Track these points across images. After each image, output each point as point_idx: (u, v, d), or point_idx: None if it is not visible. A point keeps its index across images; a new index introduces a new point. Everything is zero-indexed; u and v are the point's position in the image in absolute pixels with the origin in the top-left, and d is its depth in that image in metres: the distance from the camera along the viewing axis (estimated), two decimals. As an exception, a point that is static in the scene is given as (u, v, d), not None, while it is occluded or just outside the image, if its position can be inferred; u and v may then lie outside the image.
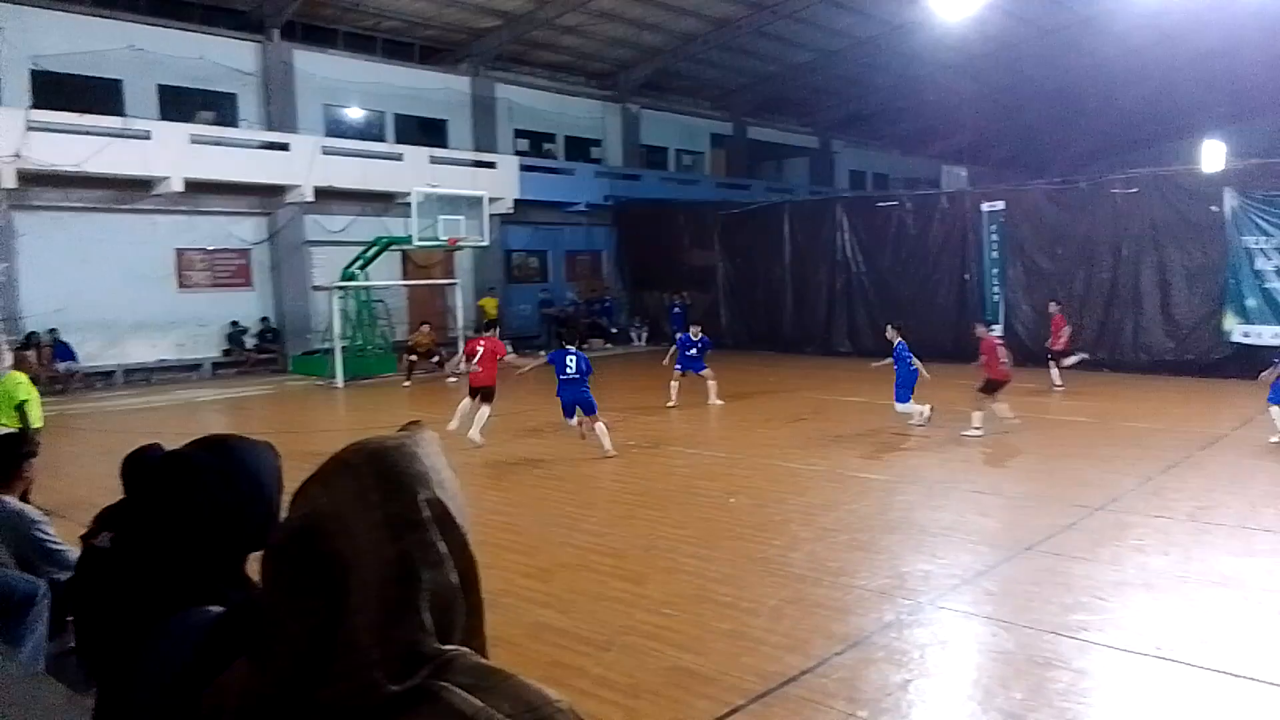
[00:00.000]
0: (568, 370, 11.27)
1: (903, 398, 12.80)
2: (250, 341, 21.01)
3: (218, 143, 19.60)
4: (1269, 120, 34.71)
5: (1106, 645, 5.49)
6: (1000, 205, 20.06)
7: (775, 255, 24.08)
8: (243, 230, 21.04)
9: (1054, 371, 16.51)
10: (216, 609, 1.60)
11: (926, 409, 12.62)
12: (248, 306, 21.04)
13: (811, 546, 7.48)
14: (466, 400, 13.08)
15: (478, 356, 12.78)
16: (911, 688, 4.96)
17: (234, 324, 20.74)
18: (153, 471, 1.83)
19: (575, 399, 11.32)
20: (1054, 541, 7.50)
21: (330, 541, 0.98)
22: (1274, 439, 11.20)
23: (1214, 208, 17.26)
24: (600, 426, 11.13)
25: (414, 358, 19.29)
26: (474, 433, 12.18)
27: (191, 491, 1.71)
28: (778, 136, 35.74)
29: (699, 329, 16.43)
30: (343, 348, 19.00)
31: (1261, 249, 16.82)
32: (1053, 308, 17.28)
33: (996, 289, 20.07)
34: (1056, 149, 41.85)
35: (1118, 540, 7.58)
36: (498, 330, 13.88)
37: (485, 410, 12.47)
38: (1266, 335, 16.76)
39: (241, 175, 19.83)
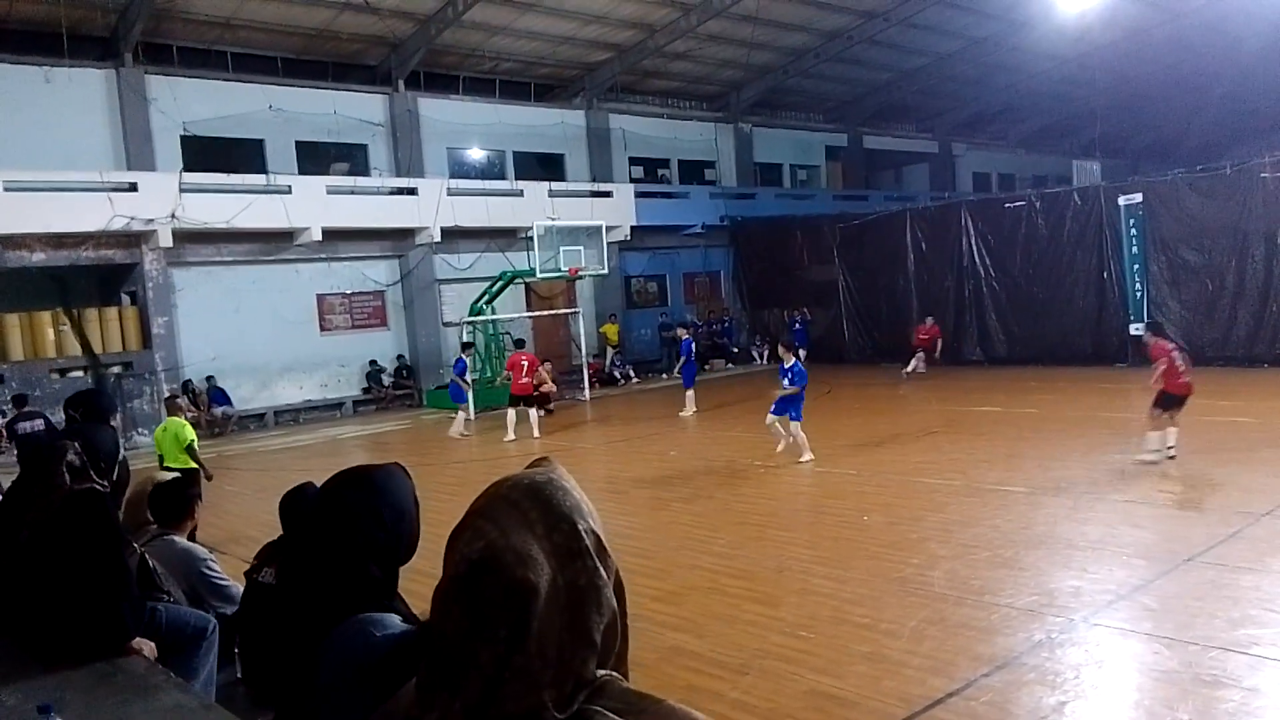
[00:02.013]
0: (796, 380, 11.90)
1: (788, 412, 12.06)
2: (387, 379, 21.93)
3: (352, 192, 20.65)
4: None
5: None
6: (1138, 198, 19.07)
7: (898, 265, 23.55)
8: (377, 273, 22.05)
9: None
10: (386, 618, 1.73)
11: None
12: (384, 345, 21.99)
13: (951, 564, 7.25)
14: (512, 411, 15.52)
15: (524, 370, 15.43)
16: (1067, 710, 4.74)
17: (372, 363, 21.70)
18: (310, 514, 1.99)
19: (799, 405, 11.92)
20: (1216, 552, 7.05)
21: (512, 571, 1.04)
22: None
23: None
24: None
25: (545, 411, 17.41)
26: (536, 432, 15.24)
27: (348, 530, 1.86)
28: (895, 144, 35.02)
29: (684, 330, 18.40)
30: (474, 380, 19.59)
31: None
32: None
33: (1139, 286, 19.05)
34: (1195, 135, 39.46)
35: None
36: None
37: (534, 415, 15.41)
38: None
39: (374, 221, 20.82)
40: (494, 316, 21.02)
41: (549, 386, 17.48)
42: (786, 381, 11.94)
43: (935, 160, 36.34)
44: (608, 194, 24.62)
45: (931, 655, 5.53)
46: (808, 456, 11.73)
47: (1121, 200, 19.29)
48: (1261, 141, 30.22)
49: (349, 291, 21.62)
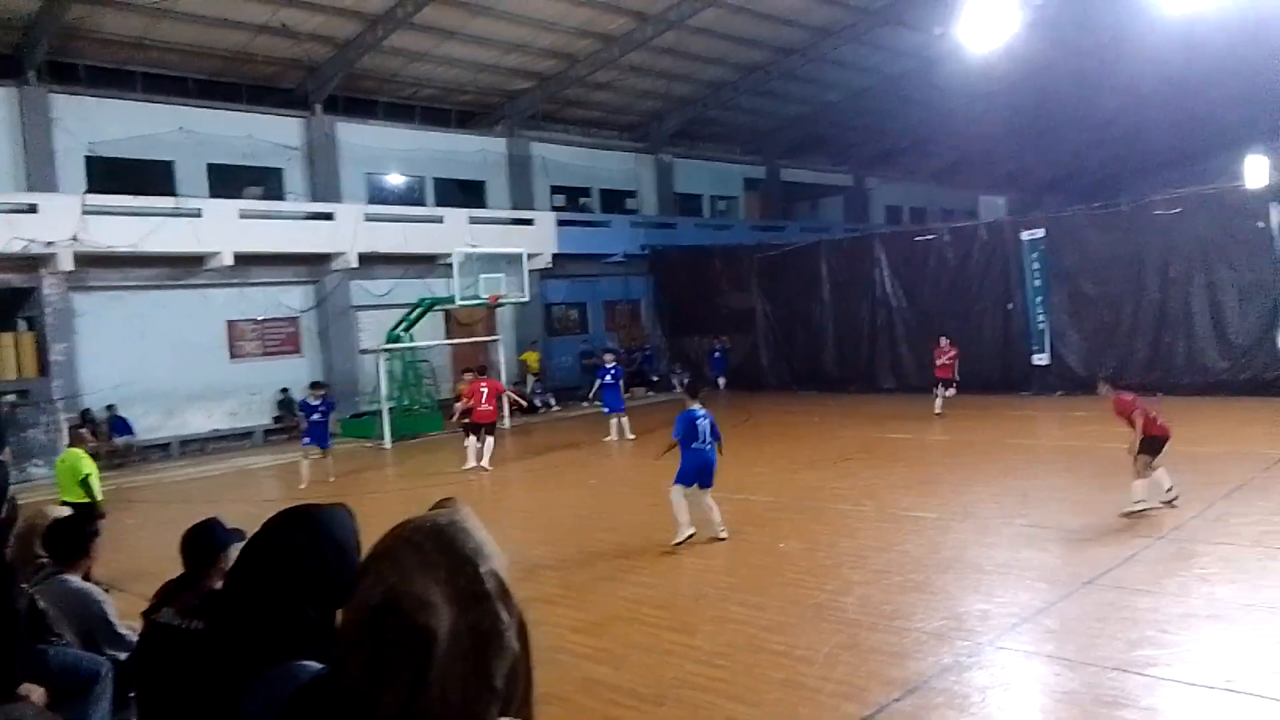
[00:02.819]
0: (702, 439, 9.26)
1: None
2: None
3: (266, 216, 20.22)
4: (1314, 131, 34.05)
5: (1175, 680, 5.35)
6: (1041, 233, 19.89)
7: (813, 295, 24.06)
8: (291, 299, 21.57)
9: None
10: (313, 665, 1.69)
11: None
12: (297, 373, 21.47)
13: (864, 590, 7.38)
14: (472, 438, 15.19)
15: (484, 396, 15.18)
16: (973, 733, 4.86)
17: (284, 391, 21.16)
18: (249, 552, 1.93)
19: (707, 469, 9.33)
20: (1115, 574, 7.33)
21: (413, 617, 1.04)
22: None
23: (1260, 224, 16.96)
24: (710, 501, 9.42)
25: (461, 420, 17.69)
26: (485, 461, 14.70)
27: (289, 571, 1.81)
28: (811, 177, 35.86)
29: (611, 355, 18.56)
30: (390, 408, 19.28)
31: (1313, 263, 16.46)
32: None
33: (1042, 317, 19.82)
34: (1096, 172, 41.41)
35: (1182, 570, 7.39)
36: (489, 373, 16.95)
37: (490, 441, 14.89)
38: (1326, 350, 16.34)
39: (289, 246, 20.40)
40: (412, 344, 20.74)
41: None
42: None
43: (850, 193, 37.32)
44: (529, 221, 24.63)
45: (845, 681, 5.62)
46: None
47: (1025, 234, 20.09)
48: (1157, 178, 31.87)
49: (261, 317, 21.09)
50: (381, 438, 18.81)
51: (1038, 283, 19.88)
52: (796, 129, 32.44)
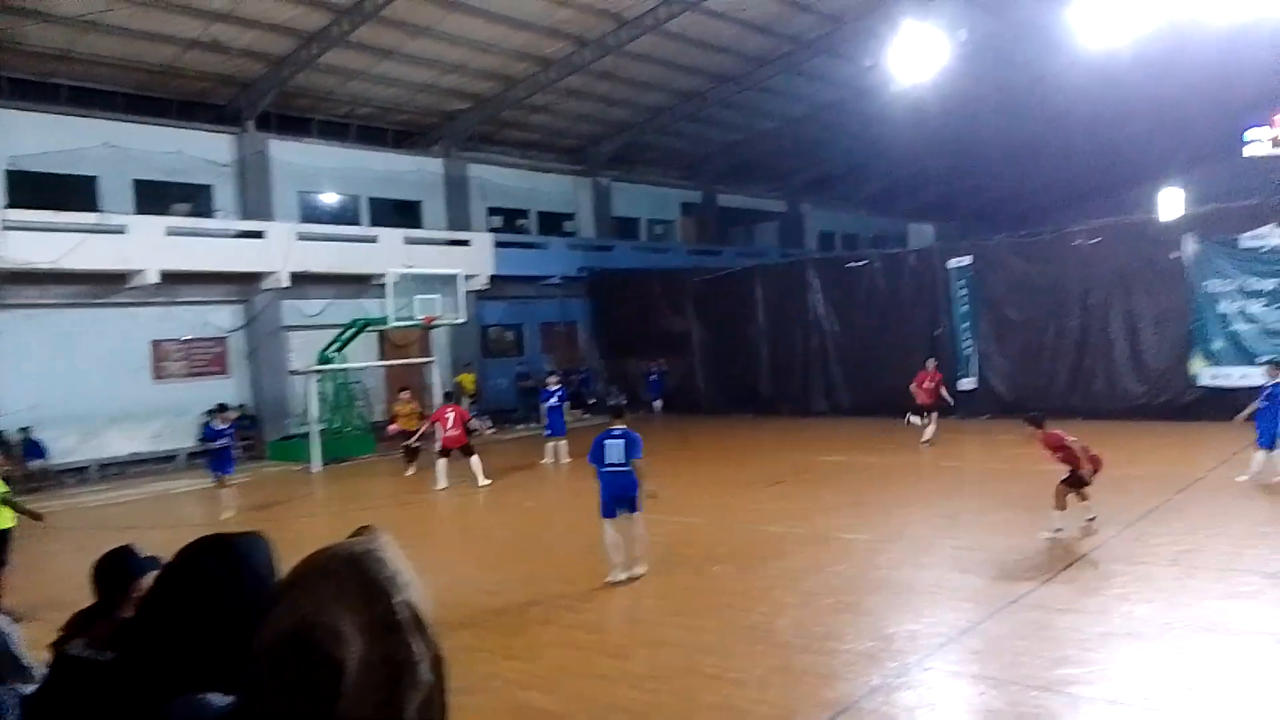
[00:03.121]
0: (610, 459, 8.70)
1: None
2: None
3: (194, 233, 19.74)
4: (1223, 166, 35.70)
5: (1094, 699, 5.49)
6: (967, 260, 20.43)
7: (748, 319, 24.32)
8: (219, 318, 21.07)
9: None
10: (222, 698, 1.64)
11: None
12: (224, 394, 20.84)
13: (797, 612, 7.45)
14: (442, 460, 15.36)
15: (450, 422, 15.41)
16: (901, 753, 4.93)
17: (209, 412, 20.58)
18: (163, 581, 1.87)
19: (623, 493, 8.69)
20: (1038, 594, 7.51)
21: (322, 647, 1.02)
22: (1240, 478, 11.35)
23: (1174, 254, 17.65)
24: (641, 529, 8.86)
25: (409, 443, 17.02)
26: (481, 480, 15.06)
27: (202, 601, 1.76)
28: (747, 202, 36.35)
29: (556, 378, 18.39)
30: (320, 431, 18.91)
31: (1223, 292, 17.18)
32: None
33: (968, 342, 20.32)
34: (1020, 202, 42.77)
35: (1102, 590, 7.60)
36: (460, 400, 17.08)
37: (476, 459, 15.19)
38: (1235, 377, 17.00)
39: (218, 265, 19.94)
40: (344, 365, 20.40)
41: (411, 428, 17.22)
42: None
43: (785, 219, 37.89)
44: (465, 242, 24.49)
45: (777, 703, 5.65)
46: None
47: (952, 262, 20.62)
48: (1078, 209, 33.04)
49: (187, 337, 20.55)
50: (311, 461, 18.42)
51: (965, 309, 20.39)
52: (733, 155, 32.90)
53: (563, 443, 17.20)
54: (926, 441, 16.58)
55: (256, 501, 14.78)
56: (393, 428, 17.97)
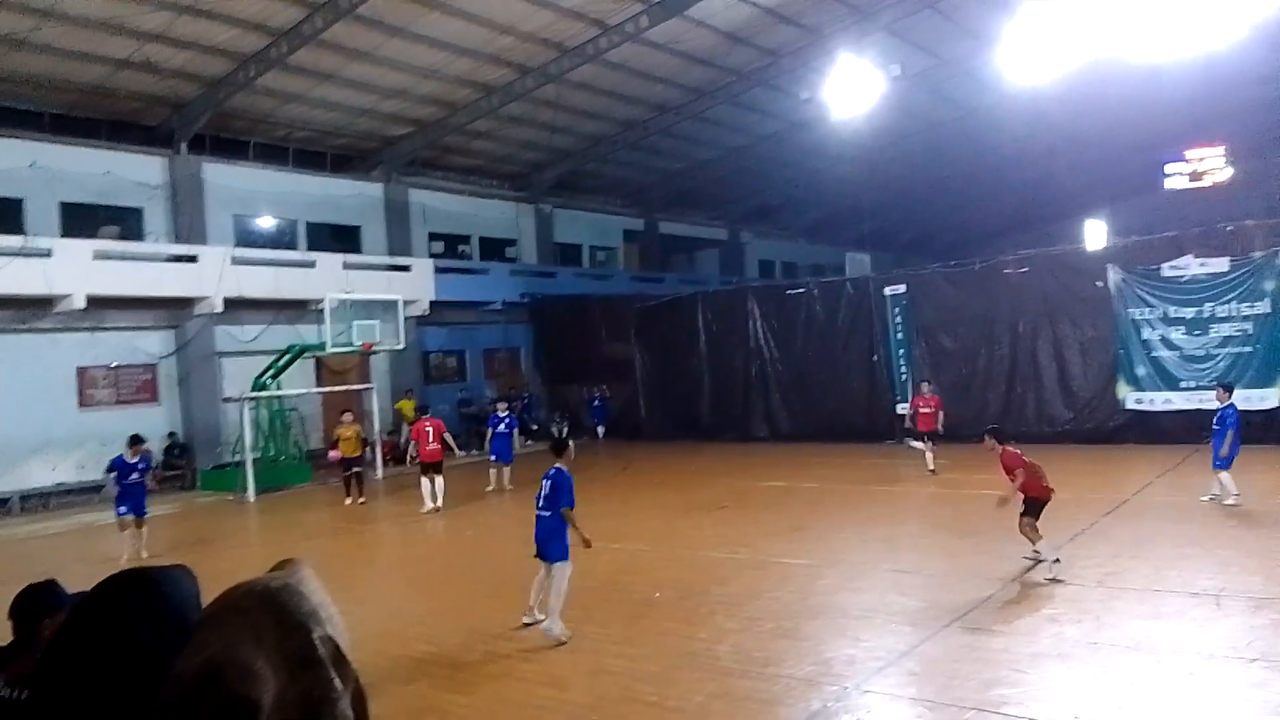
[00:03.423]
0: (539, 502, 8.10)
1: None
2: (156, 458, 20.26)
3: (122, 257, 19.23)
4: (1144, 199, 37.19)
5: (1026, 718, 5.60)
6: (902, 289, 20.87)
7: (690, 345, 24.49)
8: (149, 344, 20.52)
9: None
10: None
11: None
12: (154, 422, 20.34)
13: (737, 637, 7.47)
14: (426, 480, 15.13)
15: (430, 436, 15.26)
16: (839, 777, 4.96)
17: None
18: (79, 616, 1.81)
19: (540, 539, 8.05)
20: (971, 617, 7.65)
21: (233, 687, 0.99)
22: (1229, 501, 11.42)
23: (1099, 283, 18.26)
24: (561, 582, 7.84)
25: (354, 470, 16.56)
26: (439, 502, 14.77)
27: (120, 637, 1.70)
28: (688, 230, 36.70)
29: (504, 405, 18.11)
30: (254, 459, 18.49)
31: (1146, 320, 17.80)
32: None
33: (904, 369, 20.72)
34: (952, 232, 43.96)
35: (1032, 611, 7.78)
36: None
37: (440, 480, 14.94)
38: (1158, 402, 17.63)
39: (147, 289, 19.43)
40: (280, 392, 20.00)
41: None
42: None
43: (726, 246, 38.33)
44: (406, 268, 24.26)
45: (717, 730, 5.66)
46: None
47: (888, 290, 21.05)
48: (1008, 240, 34.04)
49: (115, 364, 19.97)
50: (245, 490, 17.99)
51: (900, 336, 20.80)
52: (674, 183, 33.23)
53: (507, 469, 16.95)
54: (933, 470, 15.63)
55: (186, 533, 14.36)
56: (334, 453, 17.23)
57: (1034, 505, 9.08)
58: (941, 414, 16.27)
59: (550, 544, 7.89)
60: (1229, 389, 12.19)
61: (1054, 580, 8.53)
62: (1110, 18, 19.08)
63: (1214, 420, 11.97)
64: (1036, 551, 9.03)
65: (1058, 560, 8.85)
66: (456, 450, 17.54)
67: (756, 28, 22.67)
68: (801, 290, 22.97)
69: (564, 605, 7.75)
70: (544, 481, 8.11)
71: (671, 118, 27.07)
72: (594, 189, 32.32)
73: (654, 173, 32.33)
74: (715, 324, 24.21)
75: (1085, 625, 7.29)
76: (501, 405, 18.16)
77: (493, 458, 17.19)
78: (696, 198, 35.10)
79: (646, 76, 24.35)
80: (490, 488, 16.99)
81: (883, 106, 23.12)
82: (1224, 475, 11.54)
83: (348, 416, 17.25)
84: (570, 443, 8.64)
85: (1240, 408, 16.14)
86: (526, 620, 8.09)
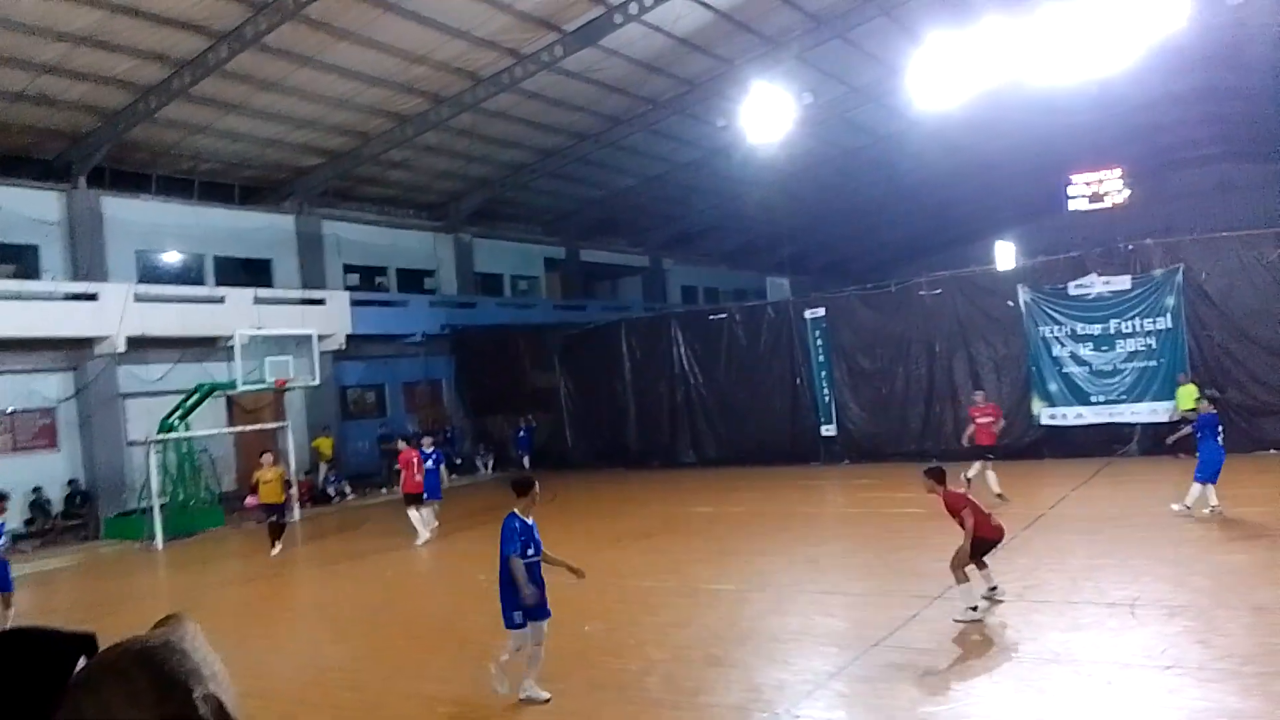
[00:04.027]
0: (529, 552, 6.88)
1: None
2: (56, 508, 19.27)
3: (16, 297, 18.32)
4: (1051, 220, 38.60)
5: (954, 736, 5.58)
6: (821, 312, 21.17)
7: (615, 373, 24.41)
8: (47, 387, 19.55)
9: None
10: None
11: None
12: (53, 469, 19.38)
13: (667, 667, 7.34)
14: (414, 510, 14.83)
15: (416, 465, 14.98)
16: (770, 808, 4.85)
17: (36, 490, 18.99)
18: None
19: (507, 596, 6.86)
20: (898, 635, 7.66)
21: None
22: (1207, 510, 11.38)
23: (1010, 303, 18.79)
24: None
25: (274, 518, 15.26)
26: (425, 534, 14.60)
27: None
28: (610, 258, 36.74)
29: (431, 439, 17.46)
30: (162, 505, 17.69)
31: (1056, 337, 18.37)
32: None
33: (826, 390, 20.96)
34: (869, 256, 44.96)
35: (955, 627, 7.81)
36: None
37: (418, 513, 14.78)
38: (1071, 416, 18.15)
39: (45, 330, 18.53)
40: (189, 434, 19.22)
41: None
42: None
43: (647, 274, 38.49)
44: (320, 301, 23.66)
45: (646, 766, 5.50)
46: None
47: (808, 313, 21.33)
48: (921, 262, 34.85)
49: (11, 409, 18.97)
50: (153, 537, 17.18)
51: (821, 358, 21.06)
52: (594, 211, 33.27)
53: (435, 506, 16.04)
54: (1001, 495, 13.52)
55: (87, 586, 13.61)
56: (251, 500, 15.98)
57: (981, 546, 8.35)
58: (1001, 423, 14.55)
59: (513, 599, 6.73)
60: (1212, 399, 12.04)
61: (968, 621, 7.83)
62: (1012, 45, 19.80)
63: (1195, 426, 11.76)
64: (974, 606, 8.05)
65: (994, 591, 8.34)
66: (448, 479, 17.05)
67: (671, 58, 22.91)
68: (724, 315, 23.12)
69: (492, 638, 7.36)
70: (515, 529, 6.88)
71: (590, 146, 27.11)
72: (514, 217, 32.14)
73: (574, 201, 32.31)
74: (639, 351, 24.19)
75: (1007, 639, 7.36)
76: (427, 440, 17.32)
77: (424, 496, 16.09)
78: (617, 225, 35.20)
79: (564, 105, 24.37)
80: (425, 531, 15.77)
81: (797, 133, 23.58)
82: (1208, 487, 11.29)
83: (267, 458, 15.72)
84: (534, 484, 7.08)
85: (1146, 420, 16.72)
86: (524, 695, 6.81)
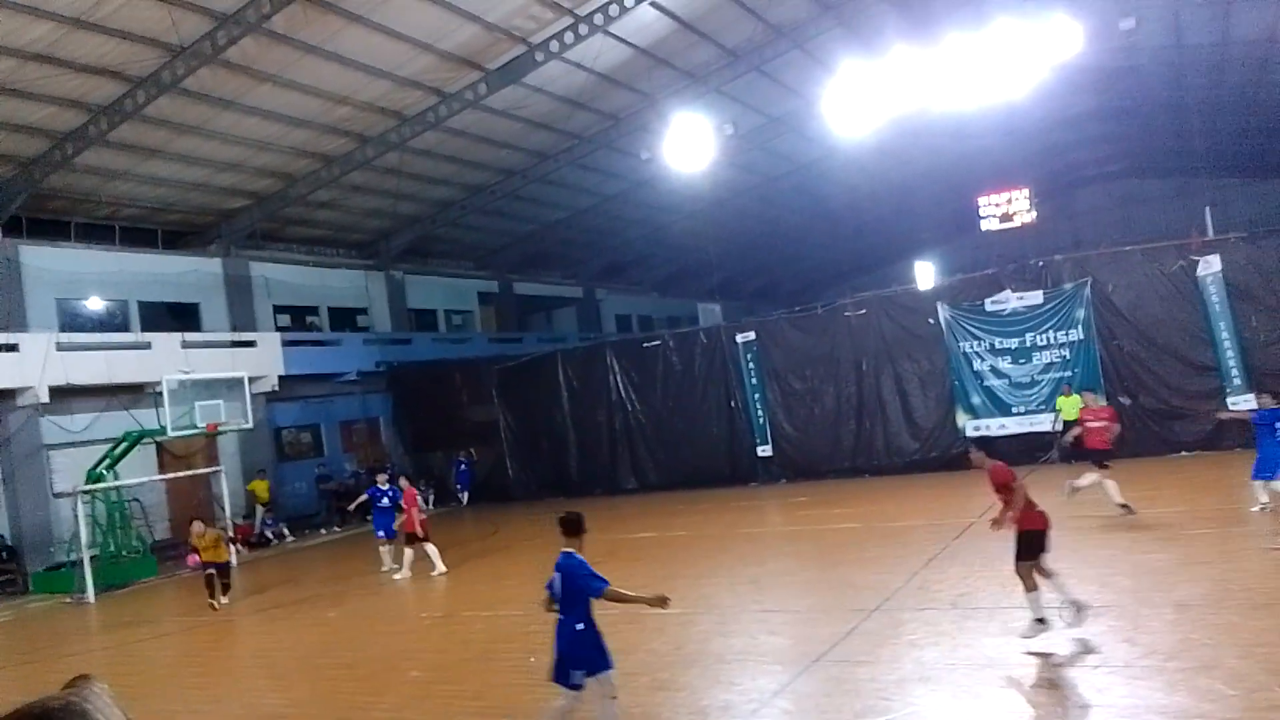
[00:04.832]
0: (555, 597, 6.16)
1: None
2: (-21, 565, 18.61)
3: (-70, 350, 17.78)
4: (966, 240, 39.93)
5: (893, 743, 5.83)
6: (752, 335, 21.62)
7: (554, 403, 24.51)
8: (-35, 442, 18.94)
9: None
10: None
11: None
12: (-26, 526, 18.76)
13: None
14: (419, 547, 14.57)
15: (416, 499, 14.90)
16: (721, 822, 5.03)
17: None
18: None
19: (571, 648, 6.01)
20: (838, 649, 7.92)
21: None
22: (1254, 509, 11.32)
23: (931, 320, 19.45)
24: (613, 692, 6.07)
25: (211, 571, 14.53)
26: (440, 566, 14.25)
27: None
28: (543, 289, 36.89)
29: (385, 476, 16.97)
30: (93, 557, 17.21)
31: (976, 352, 19.07)
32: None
33: (760, 412, 21.37)
34: (795, 280, 45.90)
35: (894, 638, 8.10)
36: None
37: (431, 548, 14.52)
38: (994, 427, 18.81)
39: (-40, 383, 18.02)
40: (117, 483, 18.75)
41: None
42: None
43: (581, 304, 38.72)
44: (250, 343, 23.34)
45: (598, 792, 5.62)
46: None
47: (739, 337, 21.77)
48: (846, 284, 35.78)
49: (-74, 466, 18.31)
50: (83, 591, 16.69)
51: (754, 381, 21.49)
52: (526, 245, 33.43)
53: (394, 546, 15.58)
54: (1126, 506, 11.91)
55: (15, 643, 13.18)
56: (193, 559, 15.47)
57: (1030, 540, 7.51)
58: (1116, 428, 12.69)
59: (583, 653, 5.91)
60: (1276, 394, 11.47)
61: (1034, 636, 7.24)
62: (920, 73, 20.61)
63: (1256, 418, 11.28)
64: (1045, 610, 7.31)
65: (1076, 605, 7.51)
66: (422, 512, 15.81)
67: (593, 94, 23.31)
68: (658, 343, 23.44)
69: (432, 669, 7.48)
70: (554, 574, 6.11)
71: (518, 181, 27.33)
72: (445, 253, 32.12)
73: (505, 235, 32.45)
74: (577, 380, 24.35)
75: (942, 647, 7.64)
76: (381, 477, 16.71)
77: (380, 534, 15.79)
78: (549, 258, 35.40)
79: (489, 141, 24.57)
80: (384, 568, 15.50)
81: (720, 163, 24.14)
82: (1276, 484, 10.85)
83: (198, 526, 14.82)
84: (583, 519, 6.30)
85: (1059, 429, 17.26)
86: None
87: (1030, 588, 7.47)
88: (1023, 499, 7.57)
